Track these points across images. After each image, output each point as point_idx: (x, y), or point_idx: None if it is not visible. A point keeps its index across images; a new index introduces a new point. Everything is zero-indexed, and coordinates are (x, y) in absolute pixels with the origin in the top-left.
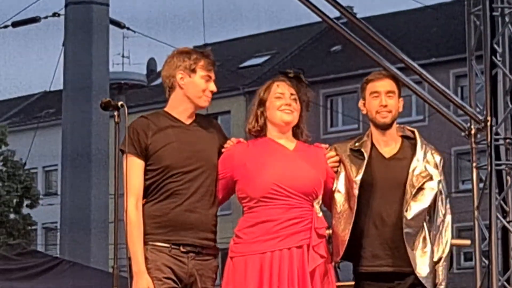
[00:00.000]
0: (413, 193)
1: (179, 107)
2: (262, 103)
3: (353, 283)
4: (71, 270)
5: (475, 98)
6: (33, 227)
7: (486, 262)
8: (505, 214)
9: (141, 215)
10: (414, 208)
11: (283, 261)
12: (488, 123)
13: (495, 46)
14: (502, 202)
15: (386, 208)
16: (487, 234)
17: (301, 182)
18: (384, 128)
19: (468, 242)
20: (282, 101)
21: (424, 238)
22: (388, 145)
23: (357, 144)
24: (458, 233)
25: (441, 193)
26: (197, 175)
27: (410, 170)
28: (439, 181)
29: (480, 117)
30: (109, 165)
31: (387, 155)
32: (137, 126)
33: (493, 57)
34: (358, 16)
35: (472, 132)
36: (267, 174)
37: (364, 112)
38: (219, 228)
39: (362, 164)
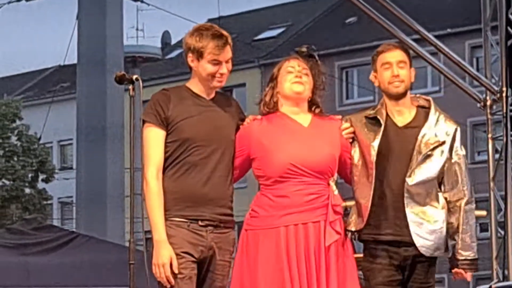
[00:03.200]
0: (419, 160)
1: (198, 85)
2: (273, 79)
3: None
4: (87, 244)
5: (491, 69)
6: (49, 202)
7: (502, 232)
8: None
9: (161, 185)
10: (419, 175)
11: (299, 236)
12: (504, 94)
13: (511, 16)
14: None
15: (395, 177)
16: (503, 205)
17: (316, 161)
18: (397, 98)
19: (484, 213)
20: (292, 74)
21: (434, 206)
22: (402, 114)
23: (371, 112)
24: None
25: (455, 160)
26: (216, 150)
27: (419, 137)
28: (451, 148)
29: (496, 88)
30: (124, 139)
31: (400, 124)
32: (159, 98)
33: (509, 28)
34: None
35: (488, 103)
36: (282, 154)
37: (377, 84)
38: (235, 201)
39: (378, 130)
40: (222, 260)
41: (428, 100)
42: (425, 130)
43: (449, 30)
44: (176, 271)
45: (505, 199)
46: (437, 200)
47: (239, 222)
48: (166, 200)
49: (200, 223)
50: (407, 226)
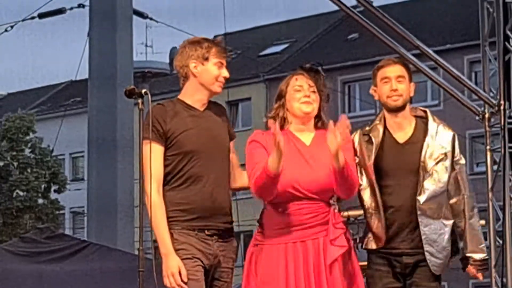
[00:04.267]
0: (426, 175)
1: (194, 96)
2: (282, 96)
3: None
4: (98, 253)
5: (489, 83)
6: (61, 212)
7: (500, 241)
8: None
9: (162, 199)
10: (428, 190)
11: (298, 253)
12: (502, 107)
13: (508, 32)
14: None
15: (403, 194)
16: (501, 215)
17: (318, 183)
18: (396, 111)
19: (482, 222)
20: (301, 93)
21: (447, 218)
22: (402, 128)
23: (367, 128)
24: None
25: (456, 169)
26: (216, 160)
27: (423, 153)
28: (453, 159)
29: (494, 101)
30: (133, 151)
31: (401, 140)
32: (155, 113)
33: (506, 43)
34: (374, 4)
35: (486, 116)
36: (283, 178)
37: (376, 97)
38: (241, 211)
39: (372, 149)
40: (226, 267)
41: (425, 111)
42: (427, 143)
43: (448, 46)
44: (185, 280)
45: (503, 209)
46: (449, 211)
47: (245, 231)
48: (172, 212)
49: (206, 232)
50: (420, 241)
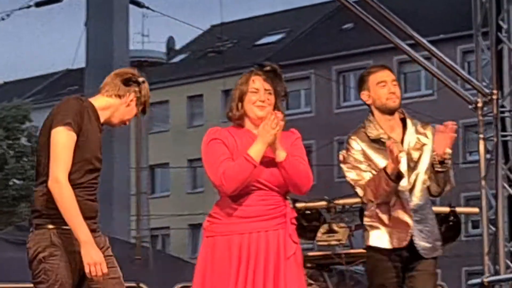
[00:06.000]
0: (412, 166)
1: (107, 113)
2: (241, 95)
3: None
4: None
5: (482, 73)
6: None
7: (493, 229)
8: (511, 183)
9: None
10: (417, 180)
11: (261, 243)
12: (494, 96)
13: (500, 22)
14: (508, 172)
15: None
16: (494, 203)
17: (276, 176)
18: (391, 113)
19: (476, 210)
20: (256, 96)
21: (430, 206)
22: (394, 130)
23: (373, 133)
24: (466, 202)
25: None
26: (99, 171)
27: (405, 146)
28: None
29: (487, 91)
30: (130, 141)
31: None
32: (78, 108)
33: (499, 33)
34: None
35: (479, 105)
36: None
37: (370, 102)
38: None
39: (385, 151)
40: (109, 255)
41: (401, 112)
42: (407, 137)
43: (442, 36)
44: (106, 270)
45: (496, 197)
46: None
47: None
48: (56, 209)
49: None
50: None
